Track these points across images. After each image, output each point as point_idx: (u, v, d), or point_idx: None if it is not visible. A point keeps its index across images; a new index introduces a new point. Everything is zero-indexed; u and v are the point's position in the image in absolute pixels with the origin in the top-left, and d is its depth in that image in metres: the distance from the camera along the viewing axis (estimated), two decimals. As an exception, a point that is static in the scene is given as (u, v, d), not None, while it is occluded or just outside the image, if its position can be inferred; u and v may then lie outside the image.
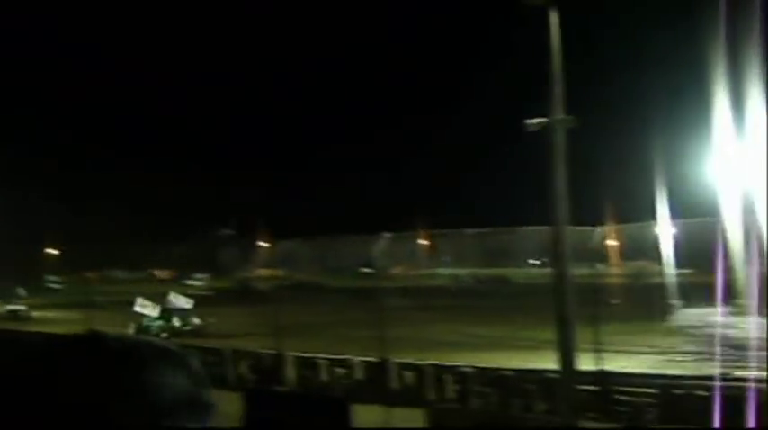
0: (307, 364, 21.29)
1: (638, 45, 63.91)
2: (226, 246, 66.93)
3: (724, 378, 15.46)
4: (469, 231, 34.18)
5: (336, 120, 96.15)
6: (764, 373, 15.28)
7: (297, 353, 21.77)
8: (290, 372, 21.45)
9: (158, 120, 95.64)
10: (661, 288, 35.58)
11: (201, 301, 37.72)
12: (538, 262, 56.45)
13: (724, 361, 20.77)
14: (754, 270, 28.34)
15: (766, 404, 13.50)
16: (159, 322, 32.99)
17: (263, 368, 22.33)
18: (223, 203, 76.07)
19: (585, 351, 16.35)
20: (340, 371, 20.49)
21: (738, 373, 16.53)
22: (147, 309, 33.59)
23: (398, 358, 19.93)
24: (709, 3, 26.51)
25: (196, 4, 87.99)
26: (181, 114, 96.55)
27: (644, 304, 34.77)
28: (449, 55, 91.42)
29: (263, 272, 62.35)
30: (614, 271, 56.42)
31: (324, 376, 20.67)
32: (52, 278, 58.68)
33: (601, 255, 54.92)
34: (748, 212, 28.85)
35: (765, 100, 28.71)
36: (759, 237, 26.34)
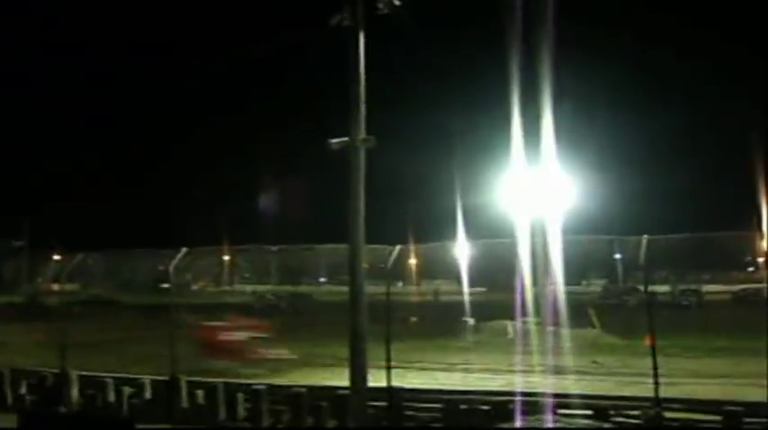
0: (93, 384, 20.25)
1: (439, 68, 66.02)
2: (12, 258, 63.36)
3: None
4: (271, 248, 33.81)
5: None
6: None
7: (82, 372, 20.65)
8: (75, 392, 20.34)
9: None
10: (457, 305, 36.83)
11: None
12: (323, 280, 57.29)
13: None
14: (545, 289, 30.03)
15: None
16: None
17: (44, 388, 21.06)
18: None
19: (380, 367, 16.50)
20: (128, 390, 19.60)
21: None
22: None
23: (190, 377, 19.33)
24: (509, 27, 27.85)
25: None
26: None
27: (440, 321, 35.88)
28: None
29: (54, 286, 59.18)
30: (413, 289, 57.92)
31: (110, 396, 19.71)
32: None
33: (400, 273, 56.18)
34: (538, 235, 30.44)
35: (554, 134, 30.46)
36: (546, 259, 27.77)
